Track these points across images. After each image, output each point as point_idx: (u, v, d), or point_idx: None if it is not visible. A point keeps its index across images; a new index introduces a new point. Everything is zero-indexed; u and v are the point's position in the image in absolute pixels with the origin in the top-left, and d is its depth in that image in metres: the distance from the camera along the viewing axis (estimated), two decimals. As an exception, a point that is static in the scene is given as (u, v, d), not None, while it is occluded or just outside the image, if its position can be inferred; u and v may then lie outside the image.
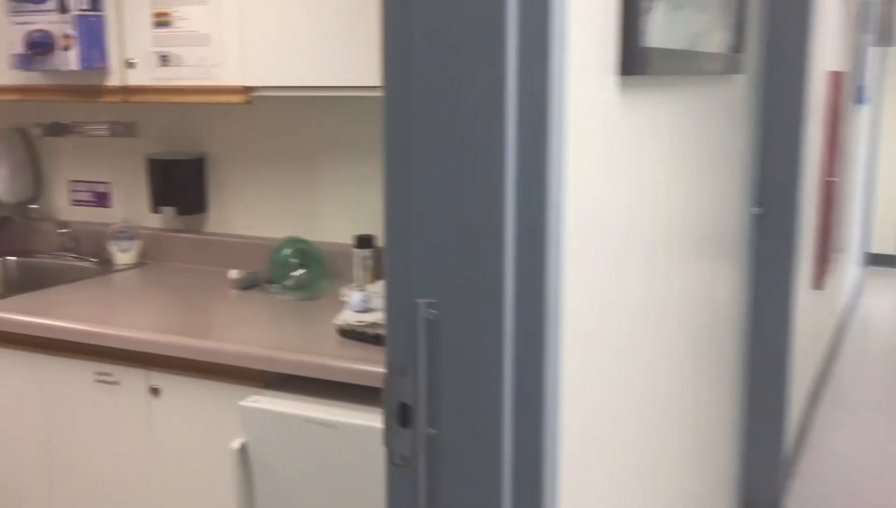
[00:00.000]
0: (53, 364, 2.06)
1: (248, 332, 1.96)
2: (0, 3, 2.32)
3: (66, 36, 2.22)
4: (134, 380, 1.97)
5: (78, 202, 2.79)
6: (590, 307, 1.23)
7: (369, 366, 1.70)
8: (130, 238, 2.61)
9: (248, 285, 2.32)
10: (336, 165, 2.41)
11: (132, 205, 2.69)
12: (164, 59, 2.21)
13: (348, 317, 1.97)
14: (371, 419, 1.66)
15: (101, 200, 2.75)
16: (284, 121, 2.46)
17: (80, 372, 2.03)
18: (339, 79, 2.01)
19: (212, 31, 2.15)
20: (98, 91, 2.29)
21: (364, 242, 2.26)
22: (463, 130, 1.06)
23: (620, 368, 1.41)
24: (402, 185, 1.11)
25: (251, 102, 2.15)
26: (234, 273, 2.33)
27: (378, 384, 1.59)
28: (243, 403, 1.77)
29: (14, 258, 2.73)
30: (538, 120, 1.05)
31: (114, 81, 2.27)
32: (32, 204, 2.80)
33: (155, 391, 1.95)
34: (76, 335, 1.99)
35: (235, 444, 1.78)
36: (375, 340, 1.82)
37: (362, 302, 2.03)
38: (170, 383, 1.93)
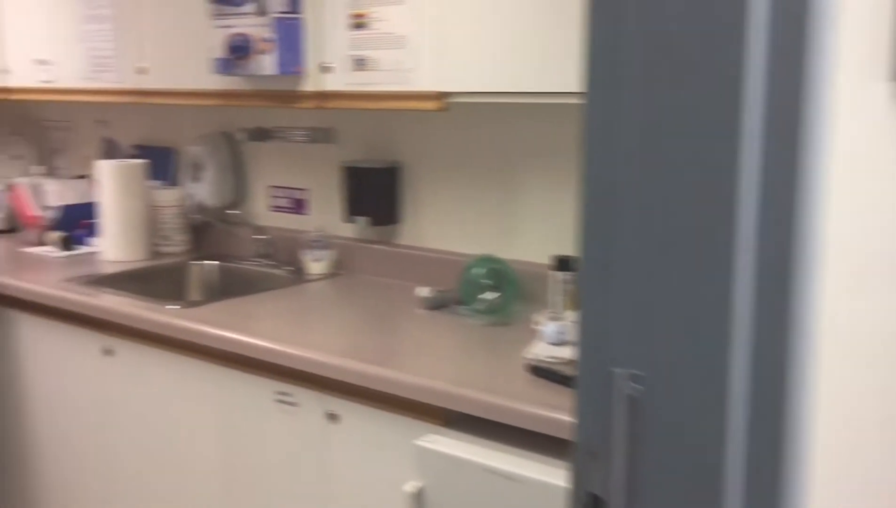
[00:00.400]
0: (236, 379, 1.99)
1: (430, 361, 1.80)
2: (202, 6, 2.29)
3: (264, 40, 2.16)
4: (313, 403, 1.86)
5: (276, 208, 2.76)
6: (852, 393, 0.94)
7: (561, 414, 1.48)
8: (324, 248, 2.53)
9: (436, 304, 2.16)
10: (536, 178, 2.21)
11: (327, 213, 2.62)
12: (360, 63, 2.09)
13: (540, 351, 1.76)
14: (560, 477, 1.44)
15: (299, 206, 2.70)
16: (482, 129, 2.29)
17: (261, 389, 1.95)
18: (542, 84, 1.80)
19: (409, 33, 2.01)
20: (293, 97, 2.22)
21: (563, 264, 2.04)
22: (684, 150, 0.83)
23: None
24: (602, 217, 0.89)
25: (447, 109, 1.98)
26: (423, 291, 2.18)
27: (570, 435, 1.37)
28: (420, 442, 1.60)
29: (214, 263, 2.74)
30: (786, 139, 0.79)
31: (309, 86, 2.18)
32: (233, 209, 2.80)
33: (333, 417, 1.83)
34: (259, 352, 1.91)
35: (410, 487, 1.61)
36: (569, 381, 1.60)
37: (557, 334, 1.82)
38: (349, 410, 1.81)
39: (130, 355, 2.22)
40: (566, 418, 1.46)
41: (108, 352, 2.27)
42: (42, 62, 2.85)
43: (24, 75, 2.93)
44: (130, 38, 2.58)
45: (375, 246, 2.50)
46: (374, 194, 2.46)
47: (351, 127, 2.55)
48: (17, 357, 2.57)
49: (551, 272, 2.05)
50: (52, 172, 3.39)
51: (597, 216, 0.90)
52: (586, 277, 0.92)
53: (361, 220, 2.47)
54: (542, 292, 2.10)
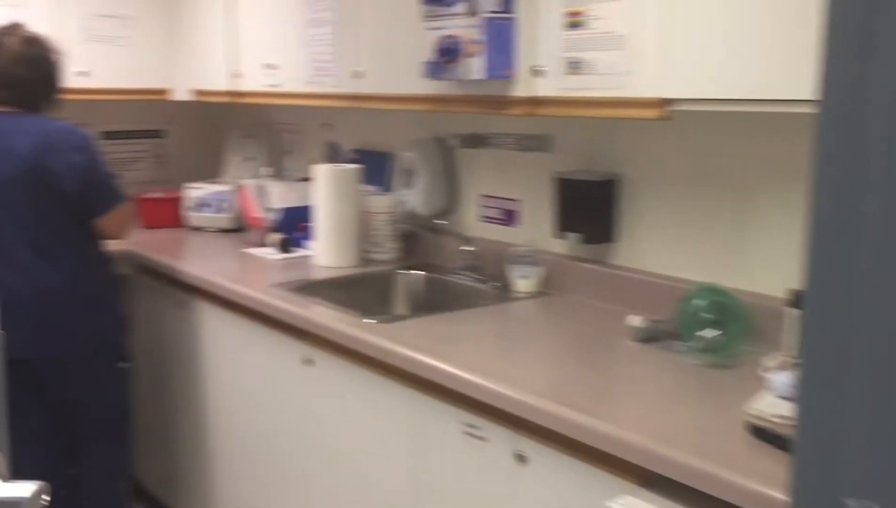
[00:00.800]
0: (426, 404, 1.87)
1: (633, 407, 1.58)
2: (416, 7, 2.19)
3: (473, 42, 2.02)
4: (501, 440, 1.70)
5: (486, 219, 2.62)
6: None
7: (782, 493, 1.22)
8: (532, 264, 2.36)
9: (648, 337, 1.93)
10: (773, 198, 1.91)
11: (538, 227, 2.44)
12: (574, 66, 1.90)
13: (766, 406, 1.49)
14: (779, 571, 1.18)
15: (509, 218, 2.55)
16: (711, 141, 2.02)
17: (450, 419, 1.81)
18: (781, 90, 1.52)
19: (629, 33, 1.79)
20: (502, 102, 2.06)
21: (801, 299, 1.73)
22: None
23: None
24: (840, 254, 0.66)
25: (669, 118, 1.75)
26: (634, 320, 1.95)
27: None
28: (612, 505, 1.39)
29: (420, 273, 2.64)
30: None
31: (519, 91, 2.02)
32: (443, 218, 2.69)
33: (521, 459, 1.66)
34: (447, 380, 1.78)
35: (598, 554, 1.41)
36: (799, 451, 1.32)
37: (789, 386, 1.53)
38: (539, 453, 1.62)
39: (328, 367, 2.16)
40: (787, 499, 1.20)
41: (308, 362, 2.23)
42: (270, 66, 2.90)
43: (254, 79, 2.99)
44: (348, 42, 2.54)
45: (587, 265, 2.29)
46: (589, 208, 2.26)
47: (567, 135, 2.36)
48: (223, 357, 2.62)
49: (787, 309, 1.76)
50: (280, 174, 3.47)
51: (832, 252, 0.66)
52: (810, 357, 0.69)
53: (573, 236, 2.27)
54: (774, 332, 1.80)
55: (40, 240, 2.47)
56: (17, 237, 2.45)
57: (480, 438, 1.75)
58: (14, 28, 2.56)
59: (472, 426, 1.76)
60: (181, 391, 2.86)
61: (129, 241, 2.87)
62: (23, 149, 2.42)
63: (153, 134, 3.77)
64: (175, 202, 3.43)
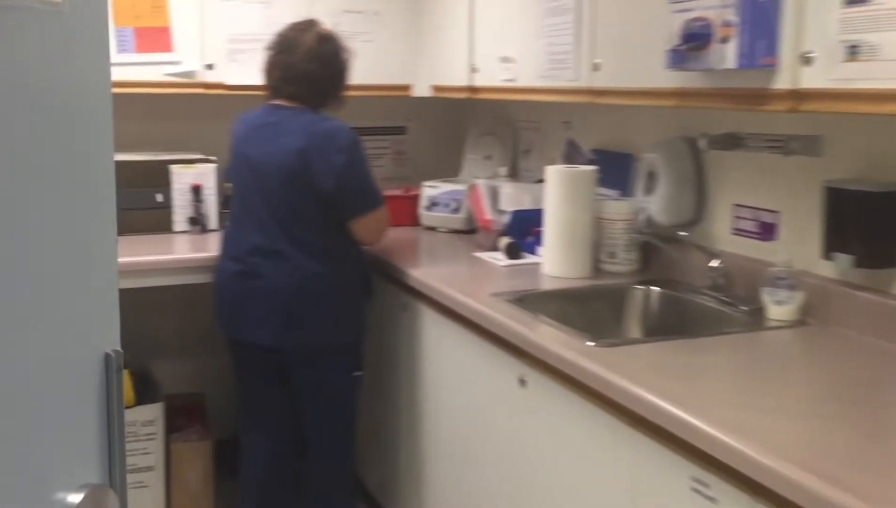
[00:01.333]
0: (649, 447, 1.60)
1: (913, 489, 1.22)
2: (661, -12, 1.92)
3: (726, 24, 1.71)
4: (736, 505, 1.39)
5: (738, 232, 2.27)
6: None
7: None
8: (791, 288, 2.00)
9: (939, 392, 1.53)
10: None
11: (800, 244, 2.07)
12: (853, 52, 1.54)
13: None
14: None
15: (765, 231, 2.19)
16: None
17: (677, 469, 1.52)
18: None
19: (930, 7, 1.41)
20: (761, 96, 1.73)
21: None
22: None
23: None
24: None
25: (983, 115, 1.36)
26: (921, 368, 1.56)
27: None
28: None
29: (657, 289, 2.35)
30: None
31: (782, 82, 1.68)
32: (686, 229, 2.38)
33: (759, 533, 1.35)
34: (671, 423, 1.50)
35: None
36: None
37: None
38: (782, 529, 1.31)
39: (542, 389, 1.94)
40: None
41: (523, 382, 2.03)
42: (506, 60, 2.72)
43: (489, 74, 2.83)
44: (588, 31, 2.30)
45: (861, 293, 1.90)
46: (867, 225, 1.86)
47: (841, 135, 1.97)
48: (442, 365, 2.48)
49: None
50: (516, 175, 3.29)
51: None
52: None
53: (844, 257, 1.89)
54: None
55: (304, 236, 2.49)
56: (281, 232, 2.48)
57: (711, 499, 1.45)
58: (310, 24, 2.61)
59: (701, 482, 1.47)
60: (402, 395, 2.77)
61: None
62: (290, 146, 2.46)
63: (395, 131, 3.73)
64: (413, 200, 3.35)
